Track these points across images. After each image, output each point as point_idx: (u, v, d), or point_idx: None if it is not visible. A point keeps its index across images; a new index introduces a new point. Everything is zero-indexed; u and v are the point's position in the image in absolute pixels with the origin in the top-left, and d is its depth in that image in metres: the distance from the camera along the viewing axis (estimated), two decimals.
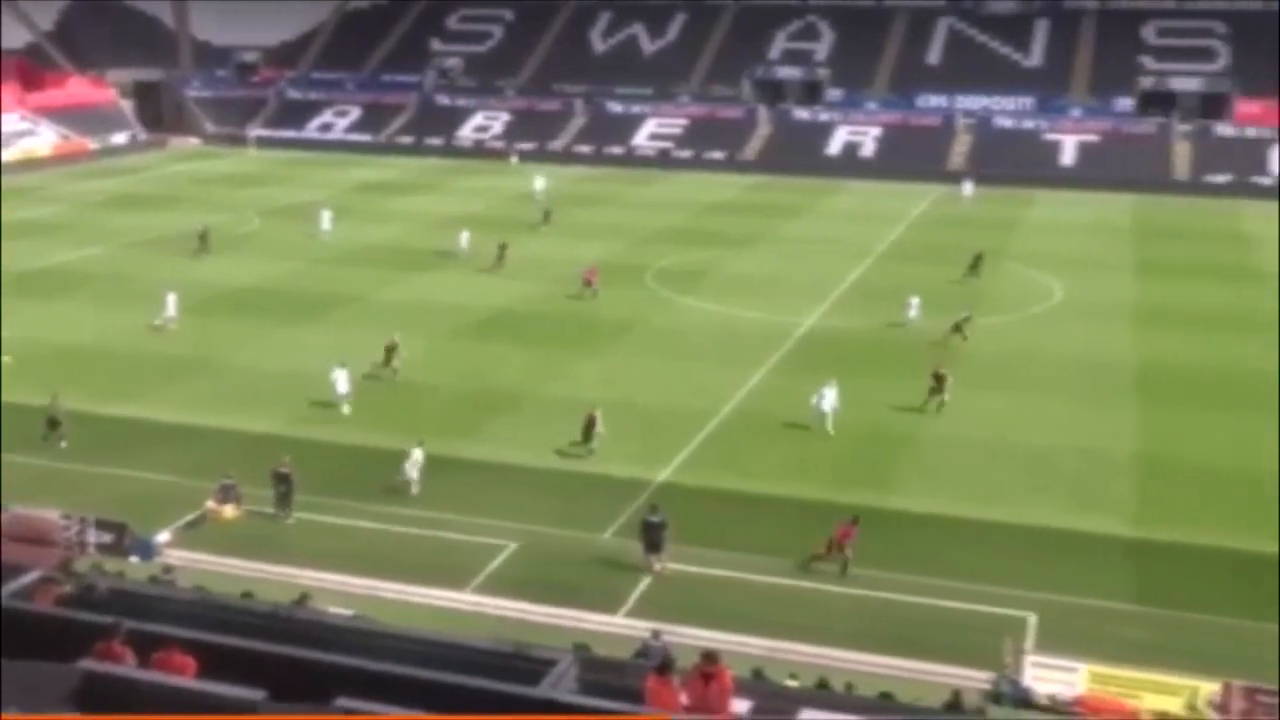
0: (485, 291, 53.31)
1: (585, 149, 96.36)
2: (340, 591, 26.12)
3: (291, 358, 43.60)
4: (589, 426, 35.42)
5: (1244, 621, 26.64)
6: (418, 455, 32.42)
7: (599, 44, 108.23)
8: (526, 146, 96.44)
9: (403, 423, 36.66)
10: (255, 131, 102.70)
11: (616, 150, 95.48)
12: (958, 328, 45.84)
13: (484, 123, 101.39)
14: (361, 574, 27.66)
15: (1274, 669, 23.78)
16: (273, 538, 29.99)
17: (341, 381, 38.35)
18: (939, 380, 39.16)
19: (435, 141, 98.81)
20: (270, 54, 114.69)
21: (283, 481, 30.76)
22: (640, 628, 24.58)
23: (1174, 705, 23.13)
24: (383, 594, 26.75)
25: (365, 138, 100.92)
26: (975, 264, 56.14)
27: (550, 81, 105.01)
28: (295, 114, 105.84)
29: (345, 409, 38.13)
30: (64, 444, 34.80)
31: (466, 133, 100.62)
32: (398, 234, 65.79)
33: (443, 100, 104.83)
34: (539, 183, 76.18)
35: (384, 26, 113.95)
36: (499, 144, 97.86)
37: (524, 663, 13.05)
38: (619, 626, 25.89)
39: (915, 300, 48.59)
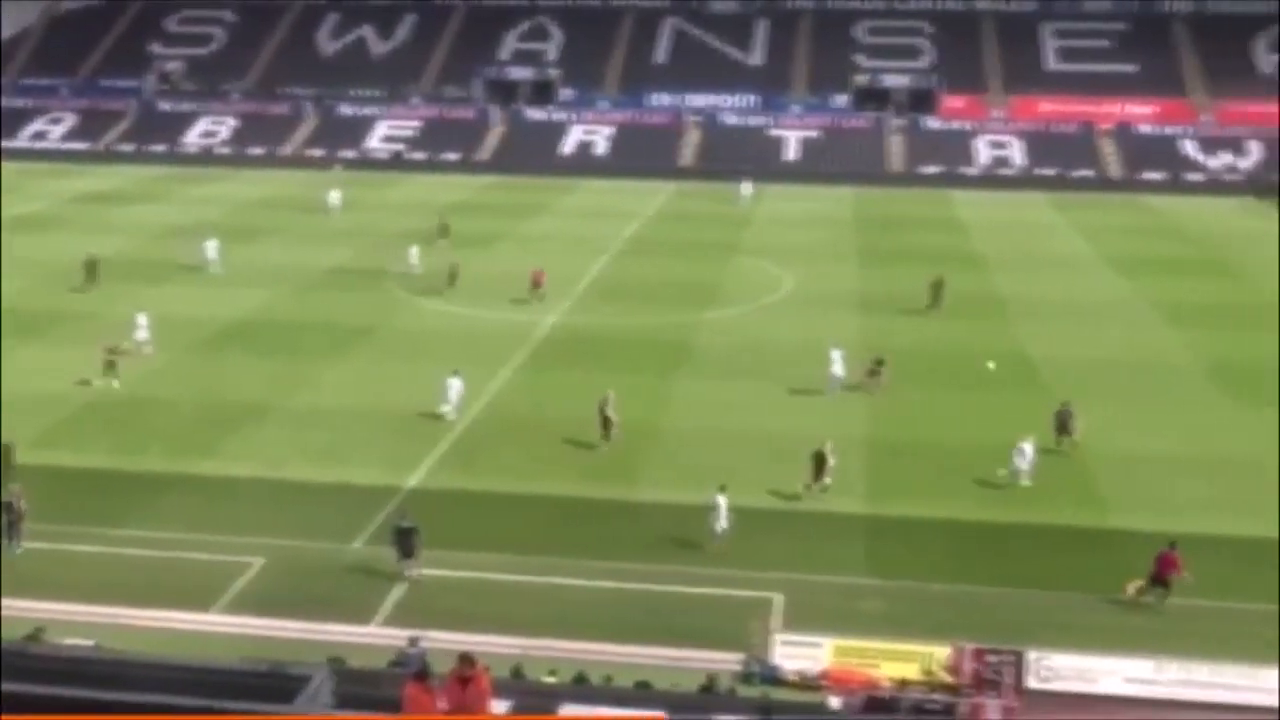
0: (221, 302, 51.65)
1: (317, 152, 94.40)
2: (78, 622, 24.98)
3: (18, 379, 41.20)
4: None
5: (971, 587, 28.34)
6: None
7: (327, 45, 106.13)
8: (256, 152, 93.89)
9: (138, 442, 35.30)
10: None
11: (350, 154, 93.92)
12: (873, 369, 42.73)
13: (210, 128, 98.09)
14: (100, 602, 26.52)
15: (1001, 631, 25.44)
16: None
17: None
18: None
19: (159, 149, 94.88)
20: None
21: (9, 510, 29.21)
22: (396, 636, 24.47)
23: (911, 671, 24.48)
24: (124, 621, 25.73)
25: (83, 146, 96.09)
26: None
27: (278, 84, 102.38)
28: (5, 122, 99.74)
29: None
30: None
31: (192, 139, 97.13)
32: (123, 246, 63.04)
33: (165, 106, 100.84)
34: (334, 195, 73.62)
35: (98, 29, 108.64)
36: (226, 150, 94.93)
37: (277, 681, 12.86)
38: (374, 636, 25.69)
39: None
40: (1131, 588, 27.64)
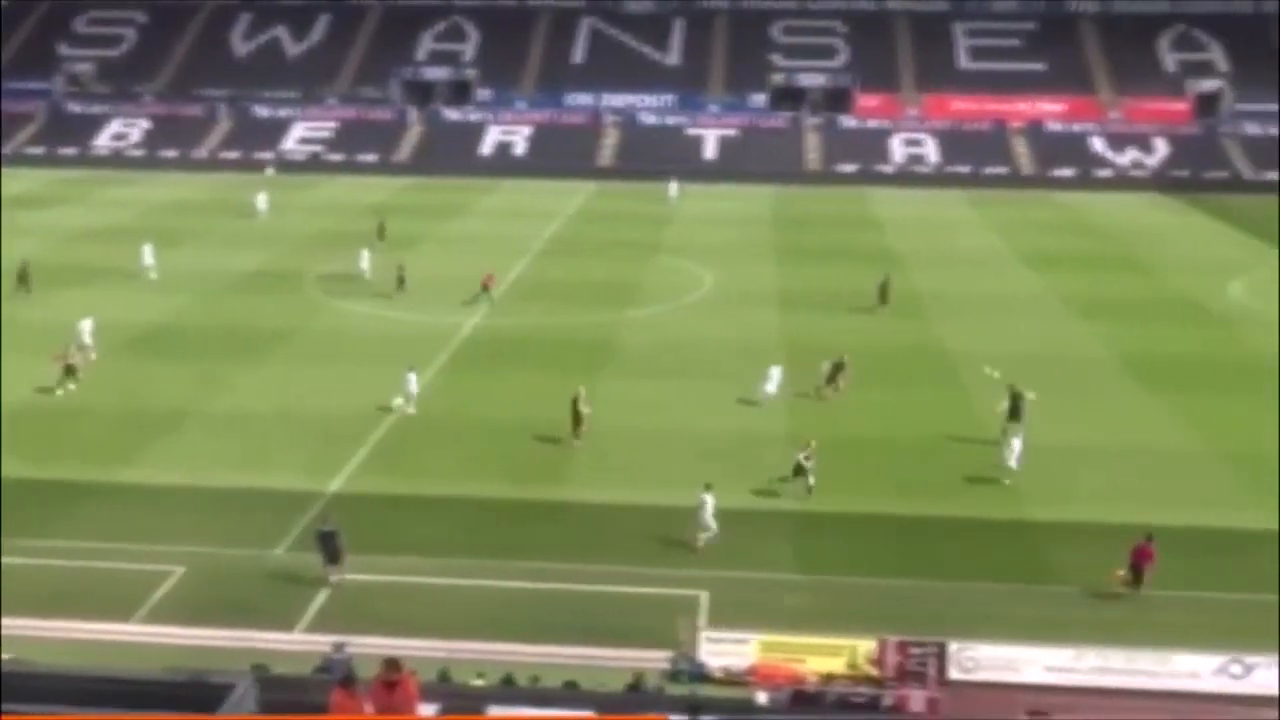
0: (138, 307, 50.84)
1: (233, 155, 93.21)
2: None
3: None
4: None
5: (894, 581, 28.68)
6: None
7: (240, 46, 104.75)
8: (170, 154, 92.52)
9: (57, 450, 34.65)
10: None
11: (266, 156, 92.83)
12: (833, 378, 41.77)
13: (122, 130, 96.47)
14: (17, 614, 25.88)
15: (923, 623, 25.79)
16: None
17: None
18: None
19: (69, 152, 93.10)
20: None
21: None
22: (321, 642, 24.26)
23: (837, 665, 24.76)
24: (40, 634, 25.18)
25: None
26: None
27: (191, 86, 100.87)
28: None
29: None
30: None
31: (104, 141, 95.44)
32: (38, 250, 61.66)
33: (74, 108, 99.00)
34: (261, 199, 72.33)
35: (3, 30, 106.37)
36: (138, 152, 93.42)
37: (200, 690, 12.72)
38: (298, 643, 25.46)
39: None
40: (1117, 577, 27.99)
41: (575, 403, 36.83)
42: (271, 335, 47.09)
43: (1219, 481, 34.07)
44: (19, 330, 46.84)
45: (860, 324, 49.78)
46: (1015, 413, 37.09)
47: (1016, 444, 34.26)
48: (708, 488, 30.55)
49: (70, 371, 40.40)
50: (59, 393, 39.91)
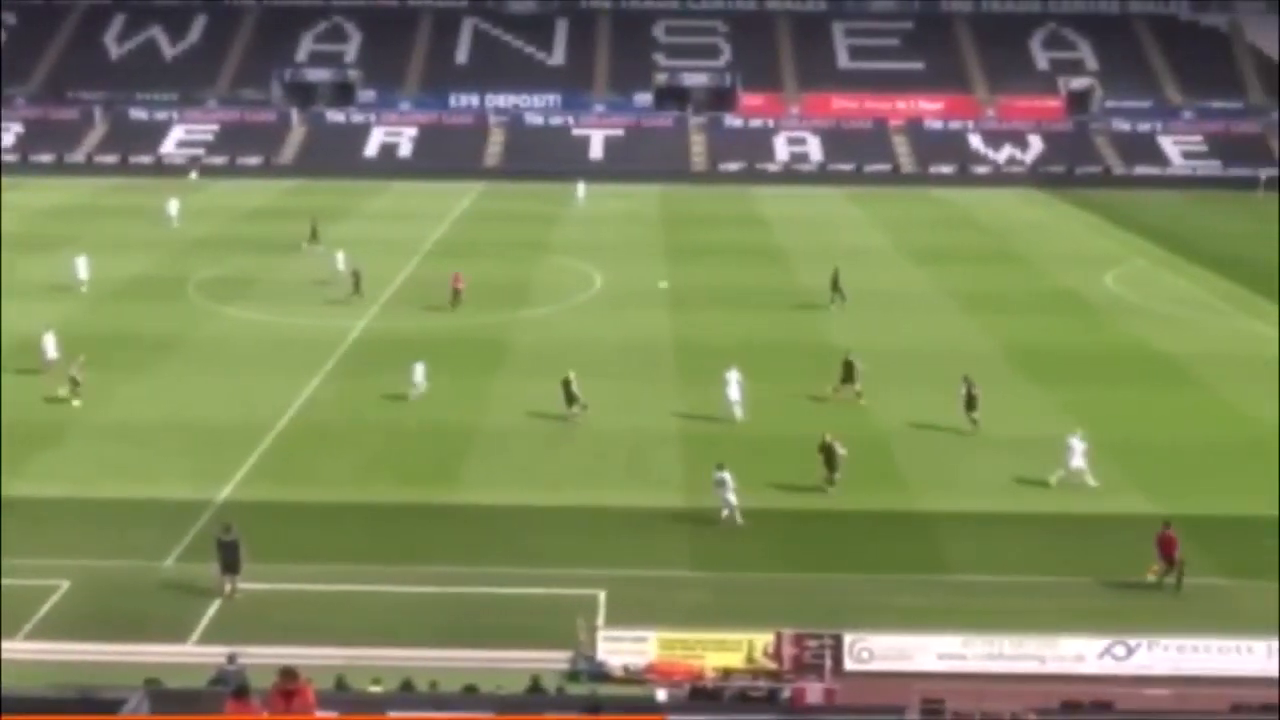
0: (13, 315, 49.29)
1: (110, 159, 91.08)
2: None
3: None
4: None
5: (788, 575, 29.05)
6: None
7: (115, 48, 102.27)
8: (44, 159, 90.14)
9: None
10: None
11: (145, 159, 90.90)
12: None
13: None
14: None
15: (818, 616, 26.15)
16: None
17: None
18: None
19: None
20: None
21: None
22: (215, 654, 23.86)
23: (735, 660, 25.02)
24: None
25: None
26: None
27: (64, 88, 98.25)
28: None
29: None
30: None
31: None
32: None
33: None
34: (173, 205, 69.95)
35: None
36: (11, 157, 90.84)
37: (92, 706, 12.54)
38: (191, 655, 25.03)
39: None
40: (1153, 572, 28.07)
41: (567, 385, 38.11)
42: (153, 342, 46.04)
43: (1100, 470, 34.97)
44: None
45: (747, 320, 50.19)
46: (971, 403, 37.87)
47: (1076, 444, 33.62)
48: (720, 466, 31.47)
49: (76, 384, 39.53)
50: (75, 403, 39.16)
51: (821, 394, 40.47)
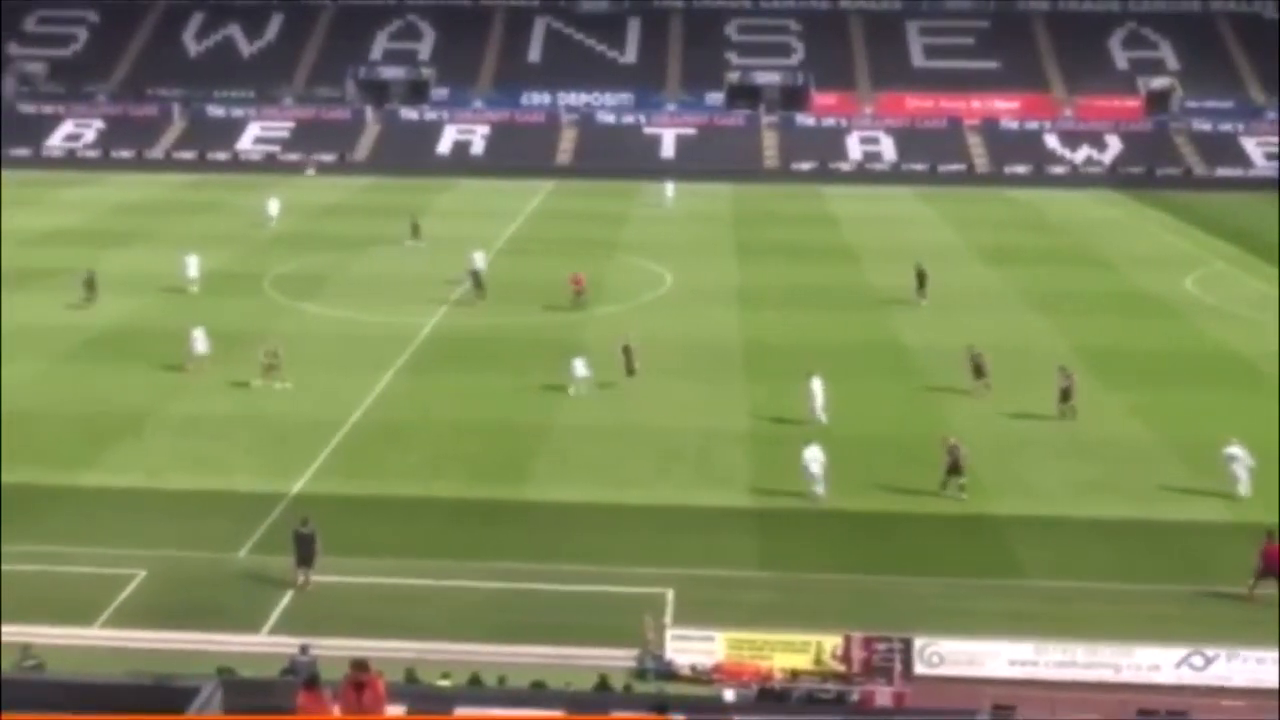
0: (92, 310, 50.23)
1: (187, 155, 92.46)
2: None
3: None
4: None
5: (856, 576, 28.80)
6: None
7: (194, 46, 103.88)
8: (125, 155, 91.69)
9: (14, 455, 34.18)
10: None
11: (221, 156, 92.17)
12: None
13: (75, 130, 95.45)
14: None
15: (887, 619, 25.92)
16: None
17: None
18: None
19: (22, 153, 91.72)
20: None
21: None
22: (287, 644, 24.13)
23: (803, 661, 24.84)
24: (5, 639, 24.85)
25: None
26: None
27: (144, 86, 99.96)
28: None
29: None
30: None
31: (56, 142, 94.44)
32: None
33: (27, 108, 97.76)
34: (273, 204, 70.09)
35: None
36: (93, 153, 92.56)
37: (166, 694, 12.66)
38: (264, 645, 25.30)
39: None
40: (1249, 586, 27.33)
41: (624, 346, 41.22)
42: (230, 337, 46.55)
43: (1175, 474, 34.35)
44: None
45: (817, 319, 49.93)
46: (1066, 393, 38.19)
47: (1237, 453, 32.90)
48: (808, 443, 32.80)
49: (271, 369, 40.95)
50: (278, 385, 40.58)
51: (939, 388, 40.20)
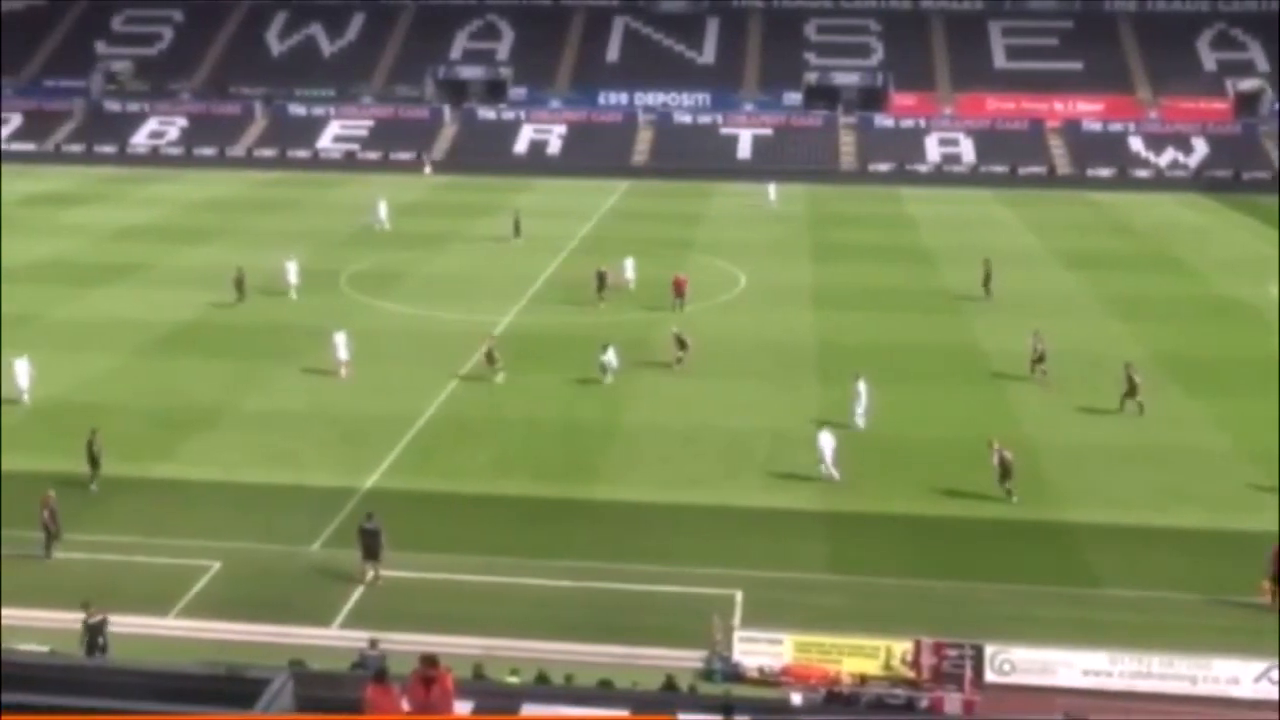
0: (170, 305, 51.11)
1: (268, 153, 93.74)
2: (33, 628, 24.63)
3: None
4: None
5: (927, 581, 28.53)
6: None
7: (276, 44, 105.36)
8: (207, 152, 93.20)
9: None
10: None
11: (301, 154, 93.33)
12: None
13: (159, 128, 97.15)
14: (55, 607, 26.08)
15: (958, 625, 25.64)
16: None
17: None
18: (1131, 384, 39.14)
19: (108, 149, 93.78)
20: None
21: None
22: (356, 638, 24.36)
23: (871, 666, 24.65)
24: (79, 627, 25.37)
25: (29, 147, 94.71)
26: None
27: (227, 84, 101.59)
28: None
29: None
30: None
31: (141, 139, 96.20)
32: (72, 248, 62.28)
33: (113, 106, 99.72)
34: (381, 206, 69.74)
35: (42, 29, 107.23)
36: (176, 150, 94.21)
37: (238, 685, 12.77)
38: (334, 639, 25.59)
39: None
40: (1263, 590, 27.05)
41: (679, 337, 42.60)
42: (305, 334, 47.03)
43: (1254, 484, 33.64)
44: (54, 327, 47.36)
45: (891, 321, 49.55)
46: (1132, 390, 38.37)
47: None
48: (822, 425, 34.72)
49: (492, 360, 42.11)
50: (498, 378, 41.67)
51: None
